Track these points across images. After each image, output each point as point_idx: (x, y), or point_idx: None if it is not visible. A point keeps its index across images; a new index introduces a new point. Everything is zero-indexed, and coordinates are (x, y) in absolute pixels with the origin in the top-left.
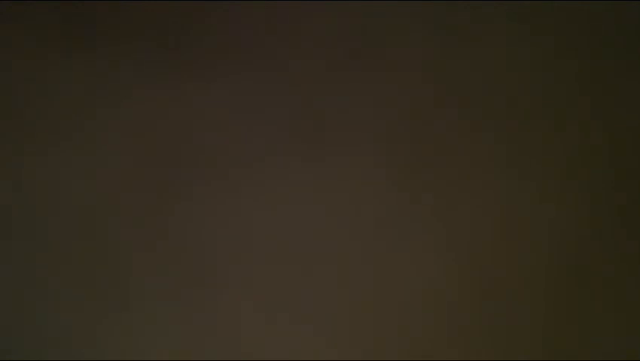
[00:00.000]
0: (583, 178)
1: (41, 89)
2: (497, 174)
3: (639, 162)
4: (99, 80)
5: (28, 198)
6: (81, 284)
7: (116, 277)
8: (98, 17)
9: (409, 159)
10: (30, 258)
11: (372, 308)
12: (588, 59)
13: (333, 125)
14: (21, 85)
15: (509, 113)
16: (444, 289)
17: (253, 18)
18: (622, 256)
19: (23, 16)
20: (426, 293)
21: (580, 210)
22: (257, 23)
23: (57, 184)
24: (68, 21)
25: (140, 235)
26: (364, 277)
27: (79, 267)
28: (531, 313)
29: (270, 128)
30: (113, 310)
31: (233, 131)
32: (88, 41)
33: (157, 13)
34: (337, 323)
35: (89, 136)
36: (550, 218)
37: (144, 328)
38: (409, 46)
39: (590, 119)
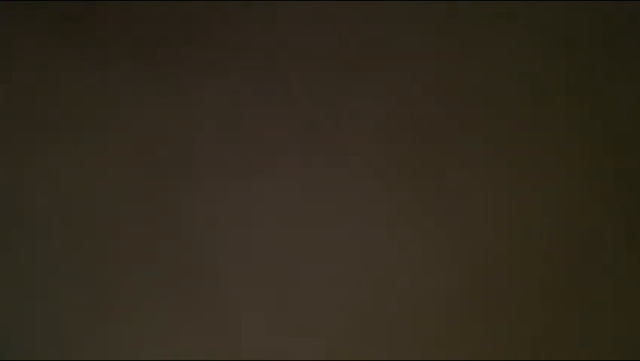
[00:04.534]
0: (584, 179)
1: (40, 89)
2: (498, 174)
3: (639, 162)
4: (98, 80)
5: (28, 198)
6: (81, 284)
7: (116, 277)
8: (98, 18)
9: (410, 159)
10: (30, 258)
11: (372, 309)
12: (588, 59)
13: (333, 125)
14: (21, 86)
15: (510, 113)
16: (446, 289)
17: (253, 18)
18: (622, 257)
19: (23, 16)
20: (427, 294)
21: (582, 210)
22: (257, 24)
23: (57, 185)
24: (69, 21)
25: (140, 235)
26: (364, 278)
27: (79, 267)
28: (532, 313)
29: (270, 128)
30: (112, 311)
31: (232, 132)
32: (87, 42)
33: (158, 14)
34: (337, 324)
35: (88, 136)
36: (552, 217)
37: (144, 328)
38: (410, 46)
39: (591, 119)
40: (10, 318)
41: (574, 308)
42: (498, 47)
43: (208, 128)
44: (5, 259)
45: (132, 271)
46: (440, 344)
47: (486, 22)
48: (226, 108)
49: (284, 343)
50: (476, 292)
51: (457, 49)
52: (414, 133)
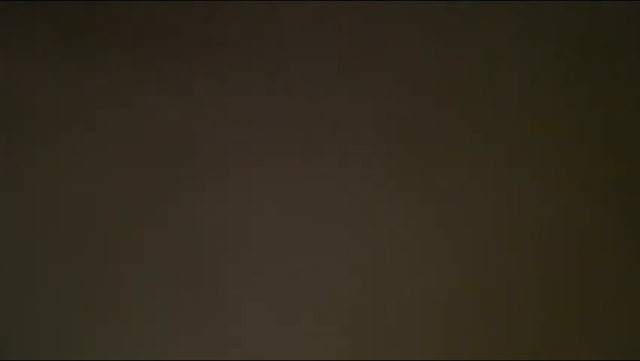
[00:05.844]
0: (585, 179)
1: (40, 89)
2: (498, 174)
3: (639, 161)
4: (98, 80)
5: (28, 198)
6: (81, 284)
7: (116, 277)
8: (98, 18)
9: (410, 159)
10: (30, 258)
11: (372, 308)
12: (588, 58)
13: (333, 125)
14: (21, 85)
15: (509, 113)
16: (445, 290)
17: (252, 18)
18: (622, 257)
19: (23, 16)
20: (427, 294)
21: (582, 210)
22: (257, 24)
23: (57, 184)
24: (69, 22)
25: (140, 235)
26: (364, 277)
27: (79, 267)
28: (532, 313)
29: (270, 128)
30: (112, 311)
31: (232, 132)
32: (87, 42)
33: (158, 14)
34: (337, 323)
35: (89, 137)
36: (552, 217)
37: (144, 328)
38: (409, 46)
39: (590, 119)
40: (10, 318)
41: (574, 308)
42: (498, 46)
43: (208, 128)
44: (6, 258)
45: (132, 271)
46: (440, 344)
47: (486, 22)
48: (226, 108)
49: (285, 342)
50: (477, 291)
51: (457, 49)
52: (414, 133)
